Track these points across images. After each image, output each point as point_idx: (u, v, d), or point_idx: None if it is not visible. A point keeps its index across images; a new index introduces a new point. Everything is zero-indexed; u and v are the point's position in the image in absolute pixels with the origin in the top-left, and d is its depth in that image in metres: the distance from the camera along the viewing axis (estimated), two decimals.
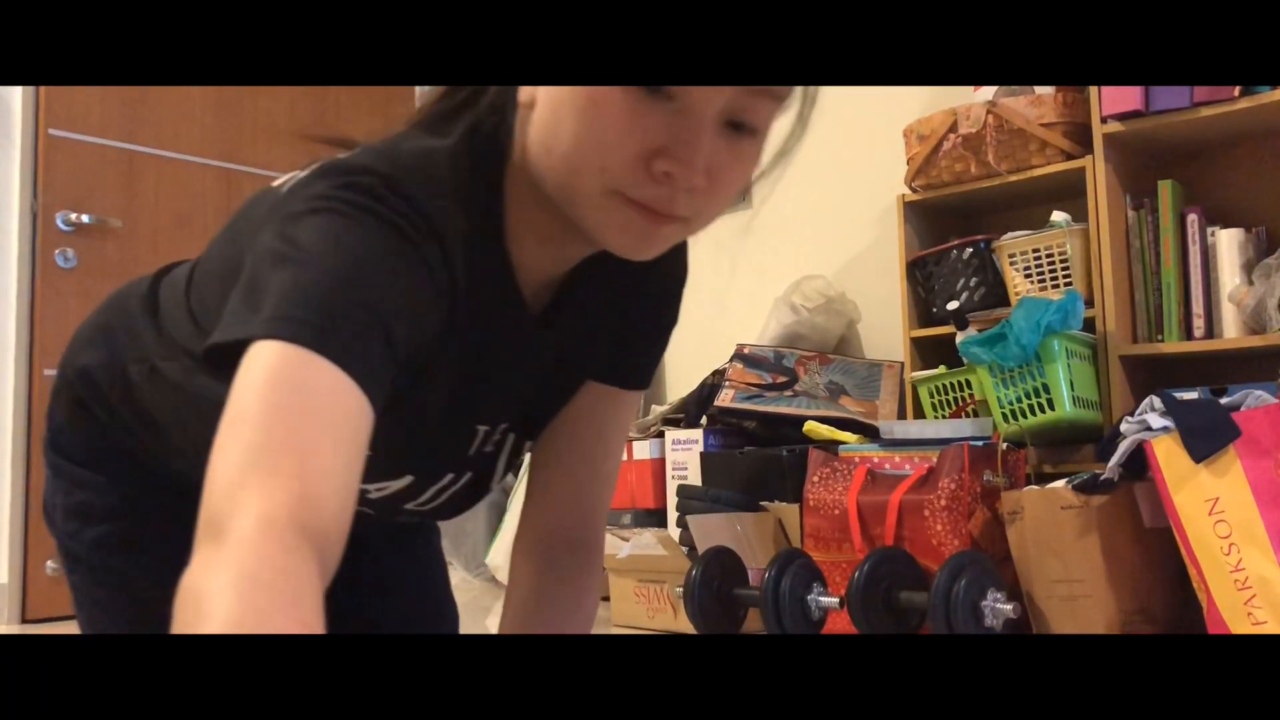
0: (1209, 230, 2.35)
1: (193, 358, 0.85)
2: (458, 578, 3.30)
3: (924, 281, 2.71)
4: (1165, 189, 2.37)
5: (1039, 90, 2.48)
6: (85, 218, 3.09)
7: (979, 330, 2.42)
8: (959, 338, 2.43)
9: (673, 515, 2.72)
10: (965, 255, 2.61)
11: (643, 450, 2.96)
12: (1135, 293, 2.41)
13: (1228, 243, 2.32)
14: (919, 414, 2.63)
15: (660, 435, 2.95)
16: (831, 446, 2.47)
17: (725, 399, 2.78)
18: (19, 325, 3.00)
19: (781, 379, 2.83)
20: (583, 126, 0.68)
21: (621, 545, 2.54)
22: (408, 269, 0.69)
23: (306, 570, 0.53)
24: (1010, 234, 2.55)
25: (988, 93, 2.57)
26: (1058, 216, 2.50)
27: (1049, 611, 2.00)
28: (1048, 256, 2.47)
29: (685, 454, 2.85)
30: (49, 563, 2.97)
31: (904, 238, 2.73)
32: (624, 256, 0.74)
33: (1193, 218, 2.36)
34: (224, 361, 0.62)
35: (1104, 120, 2.37)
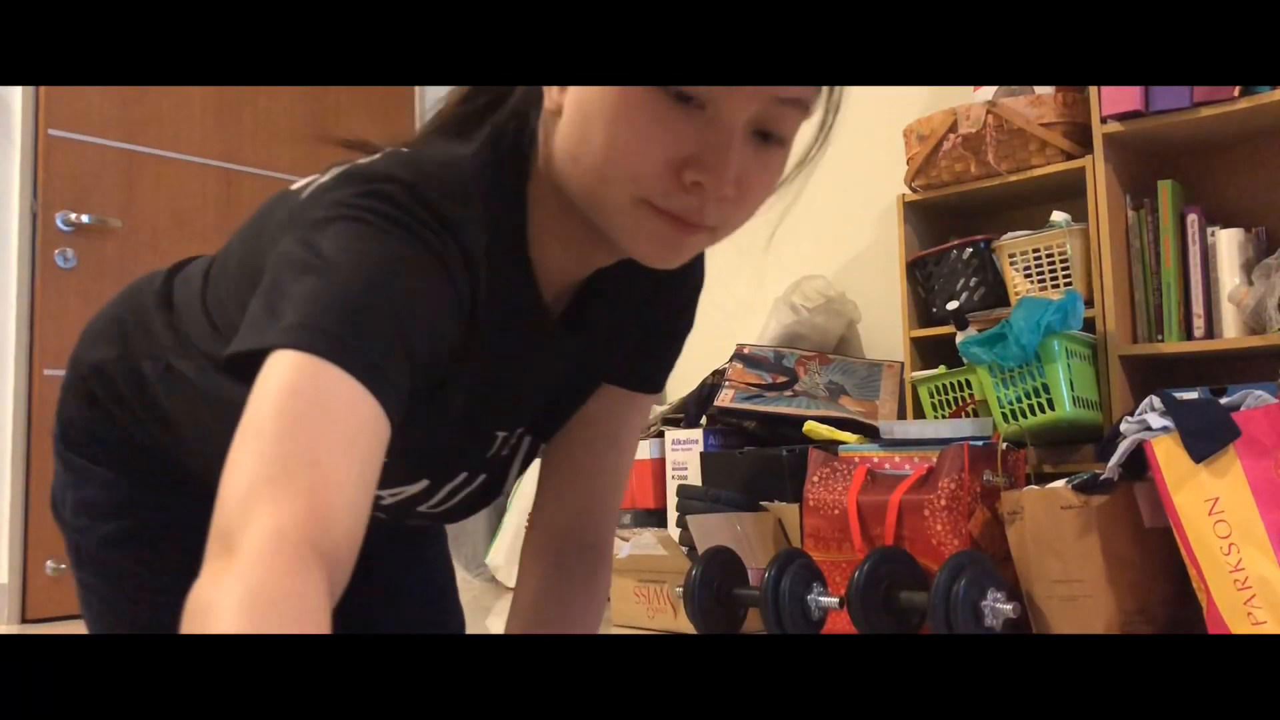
0: (1209, 230, 2.35)
1: (209, 358, 0.85)
2: (458, 578, 3.29)
3: (924, 281, 2.71)
4: (1165, 189, 2.37)
5: (1039, 90, 2.48)
6: (85, 218, 3.09)
7: (979, 330, 2.42)
8: (959, 338, 2.43)
9: (673, 515, 2.72)
10: (965, 255, 2.61)
11: (643, 450, 2.96)
12: (1135, 293, 2.41)
13: (1228, 243, 2.32)
14: (919, 414, 2.63)
15: (660, 435, 2.95)
16: (831, 446, 2.47)
17: (725, 399, 2.78)
18: (19, 325, 3.00)
19: (781, 379, 2.83)
20: (613, 135, 0.68)
21: (621, 545, 2.54)
22: (429, 280, 0.69)
23: (315, 589, 0.53)
24: (1010, 234, 2.55)
25: (988, 93, 2.57)
26: (1058, 216, 2.50)
27: (1049, 611, 2.00)
28: (1048, 256, 2.47)
29: (685, 454, 2.85)
30: (49, 562, 2.97)
31: (904, 238, 2.73)
32: (650, 265, 0.74)
33: (1193, 218, 2.36)
34: (244, 369, 0.62)
35: (1104, 120, 2.37)
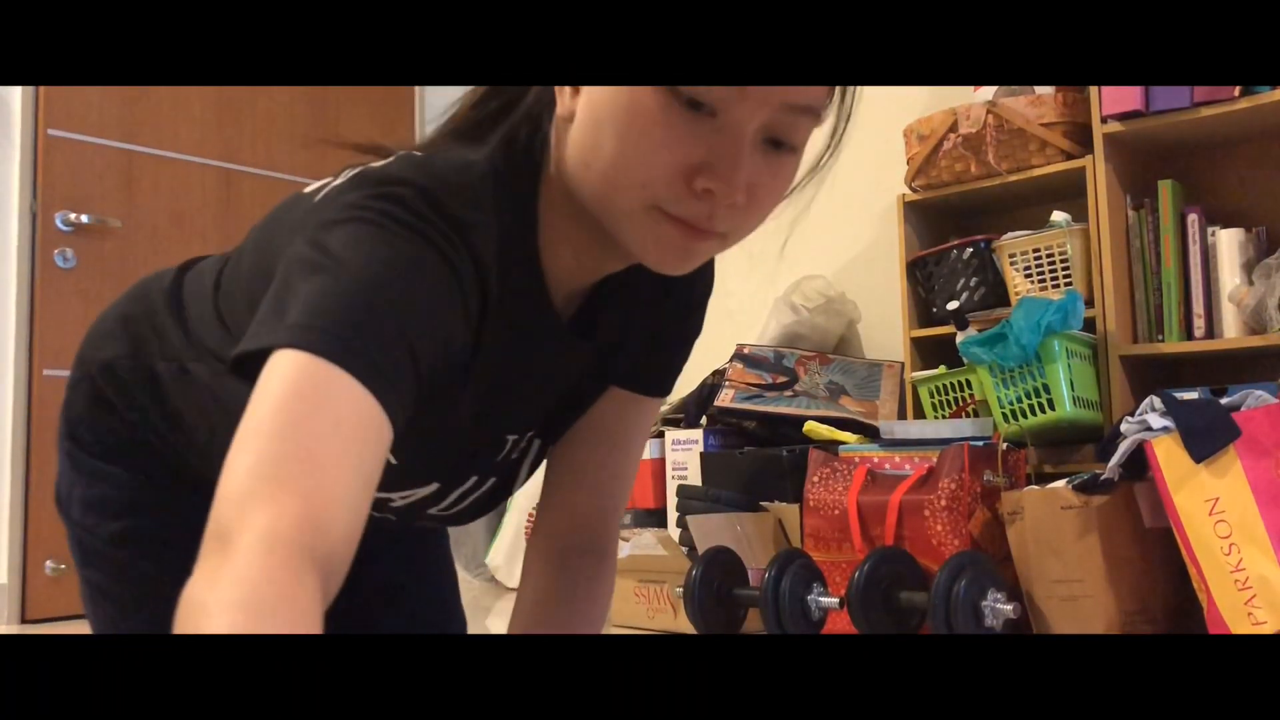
0: (1209, 230, 2.35)
1: (221, 360, 0.85)
2: (458, 578, 3.29)
3: (924, 281, 2.71)
4: (1165, 189, 2.37)
5: (1039, 90, 2.48)
6: (84, 218, 3.09)
7: (979, 330, 2.42)
8: (959, 338, 2.43)
9: (673, 515, 2.72)
10: (965, 255, 2.61)
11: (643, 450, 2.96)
12: (1135, 293, 2.41)
13: (1228, 243, 2.32)
14: (919, 414, 2.63)
15: (660, 435, 2.95)
16: (831, 446, 2.47)
17: (725, 399, 2.78)
18: (18, 325, 3.00)
19: (781, 379, 2.83)
20: (625, 142, 0.68)
21: (621, 545, 2.54)
22: (438, 284, 0.69)
23: (308, 592, 0.53)
24: (1010, 234, 2.55)
25: (988, 93, 2.57)
26: (1058, 216, 2.50)
27: (1049, 611, 1.99)
28: (1048, 256, 2.47)
29: (685, 454, 2.85)
30: (48, 563, 2.97)
31: (904, 238, 2.73)
32: (660, 271, 0.74)
33: (1193, 218, 2.35)
34: (251, 369, 0.62)
35: (1104, 120, 2.37)
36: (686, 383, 3.08)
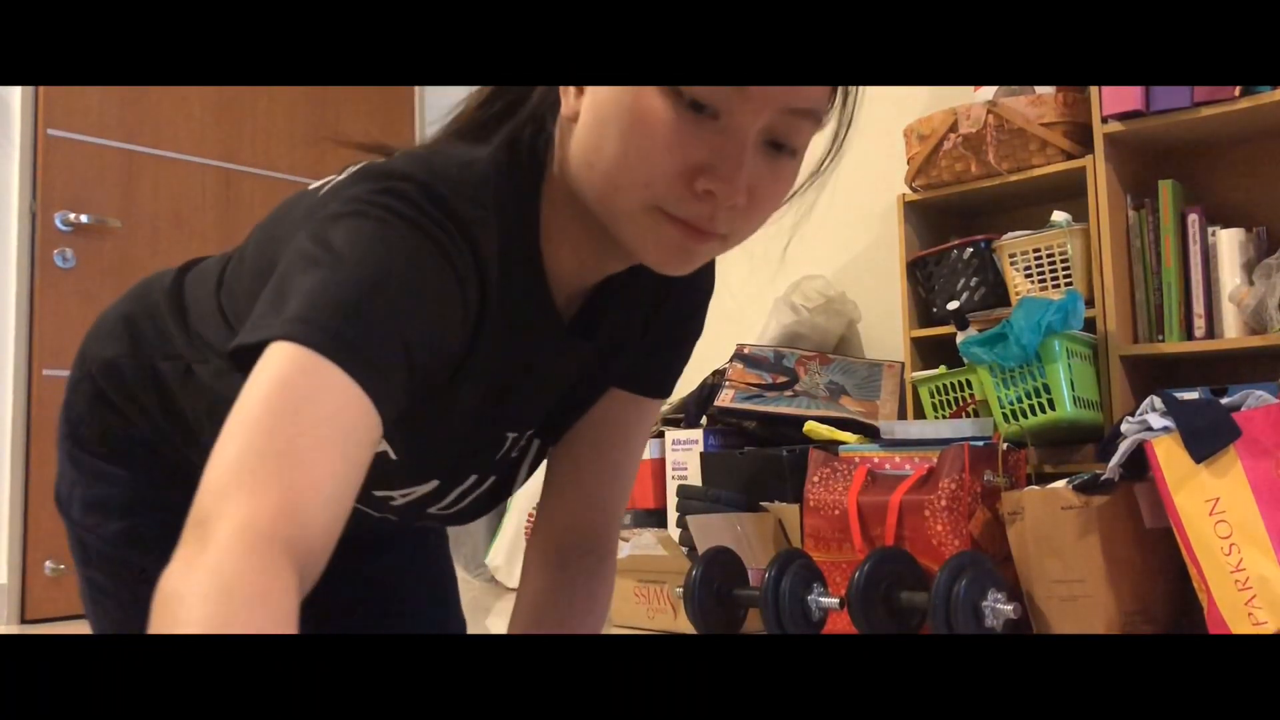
0: (1209, 230, 2.35)
1: (223, 358, 0.85)
2: (458, 578, 3.29)
3: (924, 281, 2.71)
4: (1166, 189, 2.37)
5: (1039, 90, 2.48)
6: (84, 218, 3.09)
7: (979, 330, 2.42)
8: (959, 338, 2.43)
9: (673, 515, 2.72)
10: (965, 255, 2.60)
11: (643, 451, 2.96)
12: (1136, 293, 2.40)
13: (1228, 242, 2.32)
14: (919, 414, 2.63)
15: (660, 435, 2.95)
16: (832, 447, 2.47)
17: (725, 399, 2.78)
18: (18, 325, 3.00)
19: (782, 379, 2.83)
20: (627, 143, 0.68)
21: (621, 545, 2.54)
22: (437, 278, 0.69)
23: (283, 586, 0.54)
24: (1010, 234, 2.55)
25: (988, 92, 2.57)
26: (1058, 216, 2.50)
27: (1049, 612, 1.99)
28: (1048, 256, 2.47)
29: (685, 454, 2.85)
30: (48, 563, 2.97)
31: (904, 238, 2.73)
32: (661, 271, 0.75)
33: (1193, 217, 2.35)
34: (248, 362, 0.62)
35: (1104, 120, 2.37)
36: (686, 383, 3.08)
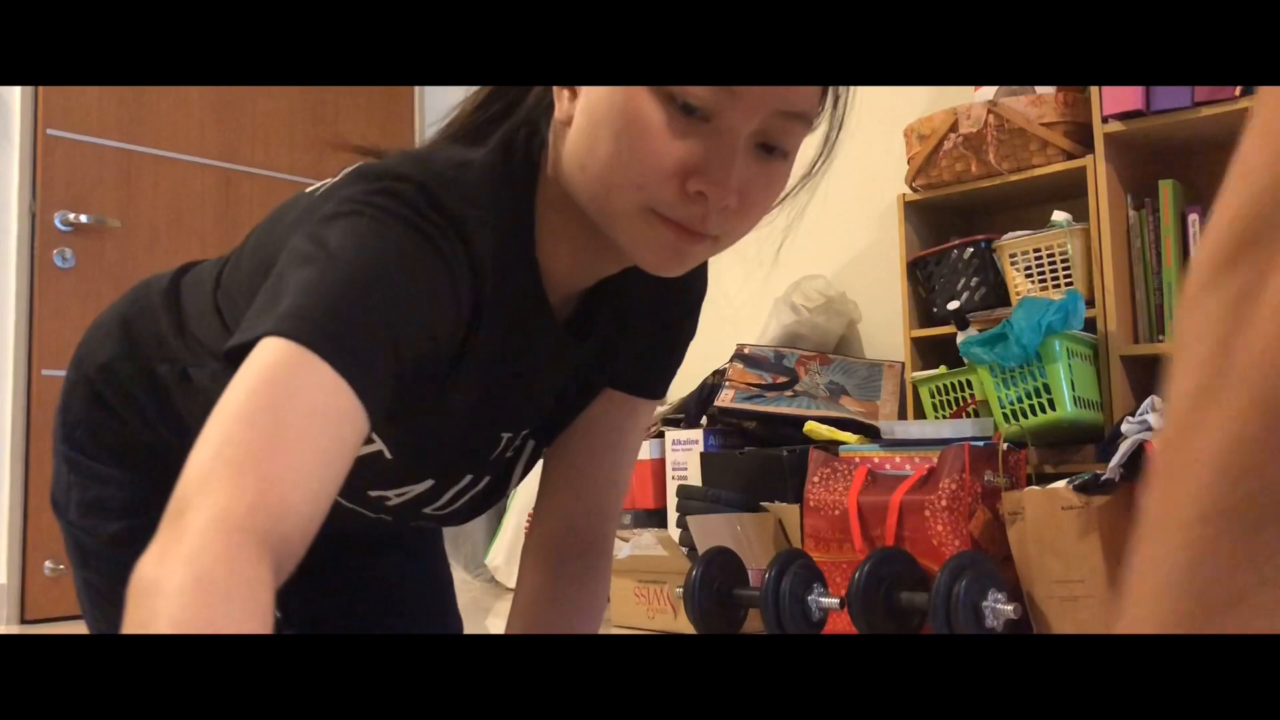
0: None
1: (221, 362, 0.86)
2: (458, 578, 3.29)
3: (924, 281, 2.71)
4: (1166, 189, 2.37)
5: (1040, 90, 2.48)
6: (84, 218, 3.09)
7: (980, 330, 2.42)
8: (959, 338, 2.43)
9: (673, 515, 2.72)
10: (966, 255, 2.60)
11: (642, 450, 2.95)
12: (1136, 292, 2.40)
13: None
14: (919, 414, 2.63)
15: (660, 435, 2.95)
16: (832, 447, 2.47)
17: (725, 399, 2.78)
18: (17, 325, 3.00)
19: (782, 379, 2.83)
20: (620, 145, 0.69)
21: (621, 545, 2.54)
22: (430, 276, 0.70)
23: (257, 577, 0.54)
24: (1011, 234, 2.55)
25: (988, 92, 2.56)
26: (1058, 216, 2.49)
27: (1049, 612, 1.99)
28: (1048, 256, 2.47)
29: (685, 454, 2.85)
30: (47, 563, 2.97)
31: (904, 237, 2.73)
32: (655, 273, 0.75)
33: (1194, 217, 2.35)
34: (242, 362, 0.63)
35: (1105, 120, 2.37)
36: (686, 383, 3.08)
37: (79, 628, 1.02)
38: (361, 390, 0.62)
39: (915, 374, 2.64)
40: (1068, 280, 2.43)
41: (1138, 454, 1.88)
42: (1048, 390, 2.26)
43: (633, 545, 2.52)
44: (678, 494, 2.64)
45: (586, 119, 0.72)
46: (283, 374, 0.60)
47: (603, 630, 2.45)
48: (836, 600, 1.98)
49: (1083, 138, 2.43)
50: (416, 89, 3.94)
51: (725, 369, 2.89)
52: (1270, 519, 0.36)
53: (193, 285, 0.94)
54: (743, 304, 3.15)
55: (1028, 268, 2.50)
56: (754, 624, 2.13)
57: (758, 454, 2.62)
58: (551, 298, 0.81)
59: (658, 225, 0.71)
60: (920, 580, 1.97)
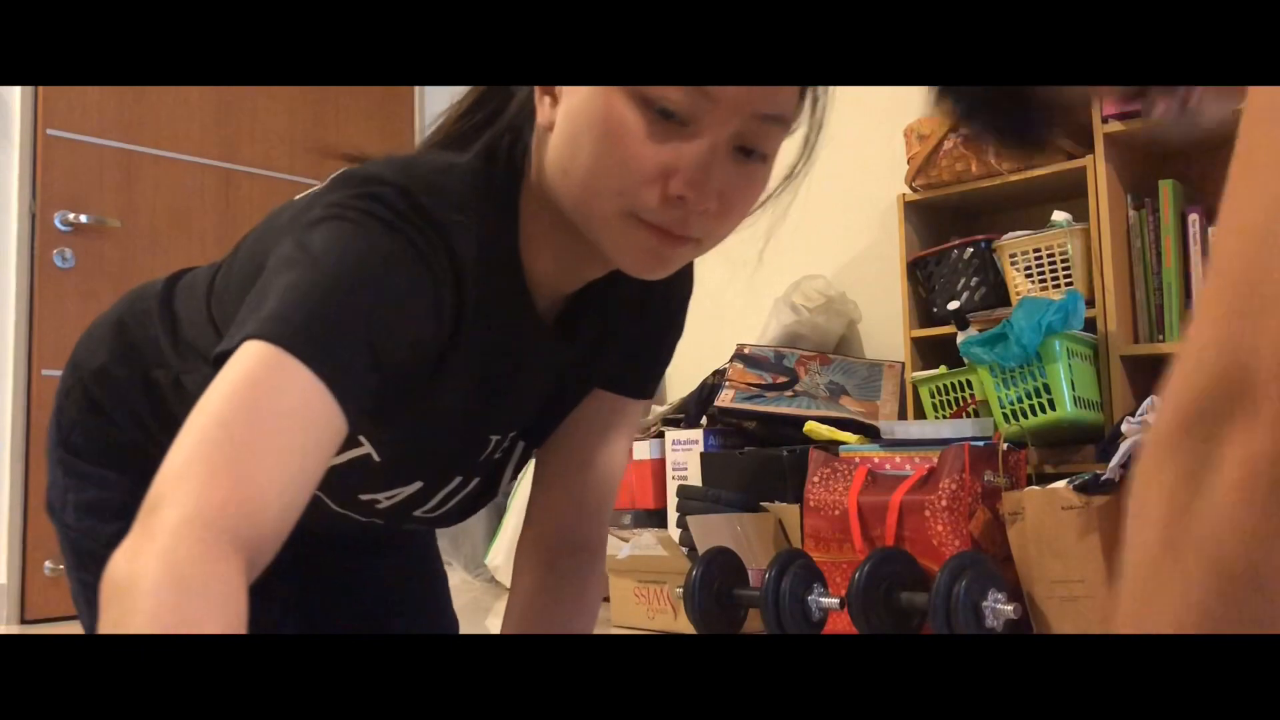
0: (1210, 230, 2.35)
1: (212, 366, 0.87)
2: (458, 578, 3.30)
3: (924, 281, 2.71)
4: (1166, 188, 2.37)
5: None
6: (83, 218, 3.09)
7: (980, 330, 2.42)
8: (960, 338, 2.43)
9: (673, 515, 2.71)
10: (966, 255, 2.60)
11: (643, 450, 2.96)
12: (1136, 292, 2.40)
13: None
14: (919, 414, 2.63)
15: (660, 435, 2.95)
16: (832, 447, 2.47)
17: (725, 399, 2.78)
18: (17, 325, 3.00)
19: (782, 379, 2.83)
20: (601, 151, 0.70)
21: (621, 546, 2.54)
22: (411, 279, 0.71)
23: (228, 573, 0.55)
24: (1011, 234, 2.55)
25: None
26: (1058, 216, 2.49)
27: (1049, 612, 1.99)
28: (1048, 256, 2.47)
29: (685, 454, 2.85)
30: (47, 563, 2.96)
31: (904, 237, 2.73)
32: (637, 276, 0.76)
33: (1194, 217, 2.35)
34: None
35: (1105, 120, 2.37)
36: (687, 383, 3.08)
37: (79, 628, 1.02)
38: (339, 392, 0.64)
39: (915, 374, 2.64)
40: (1068, 280, 2.43)
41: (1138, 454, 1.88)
42: (1048, 390, 2.26)
43: (633, 545, 2.52)
44: (678, 494, 2.64)
45: (567, 125, 0.73)
46: (261, 376, 0.62)
47: (603, 630, 2.45)
48: (836, 600, 1.98)
49: (1083, 137, 2.43)
50: (416, 89, 3.94)
51: (725, 369, 2.89)
52: None
53: (186, 292, 0.95)
54: (740, 295, 3.15)
55: (1028, 268, 2.50)
56: (754, 624, 2.13)
57: (758, 454, 2.62)
58: (537, 301, 0.82)
59: (639, 229, 0.72)
60: (920, 580, 1.97)
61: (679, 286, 0.95)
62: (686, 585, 2.08)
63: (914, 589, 1.94)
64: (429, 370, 0.77)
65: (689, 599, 2.06)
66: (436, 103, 3.91)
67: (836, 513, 2.24)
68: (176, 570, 0.54)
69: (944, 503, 2.08)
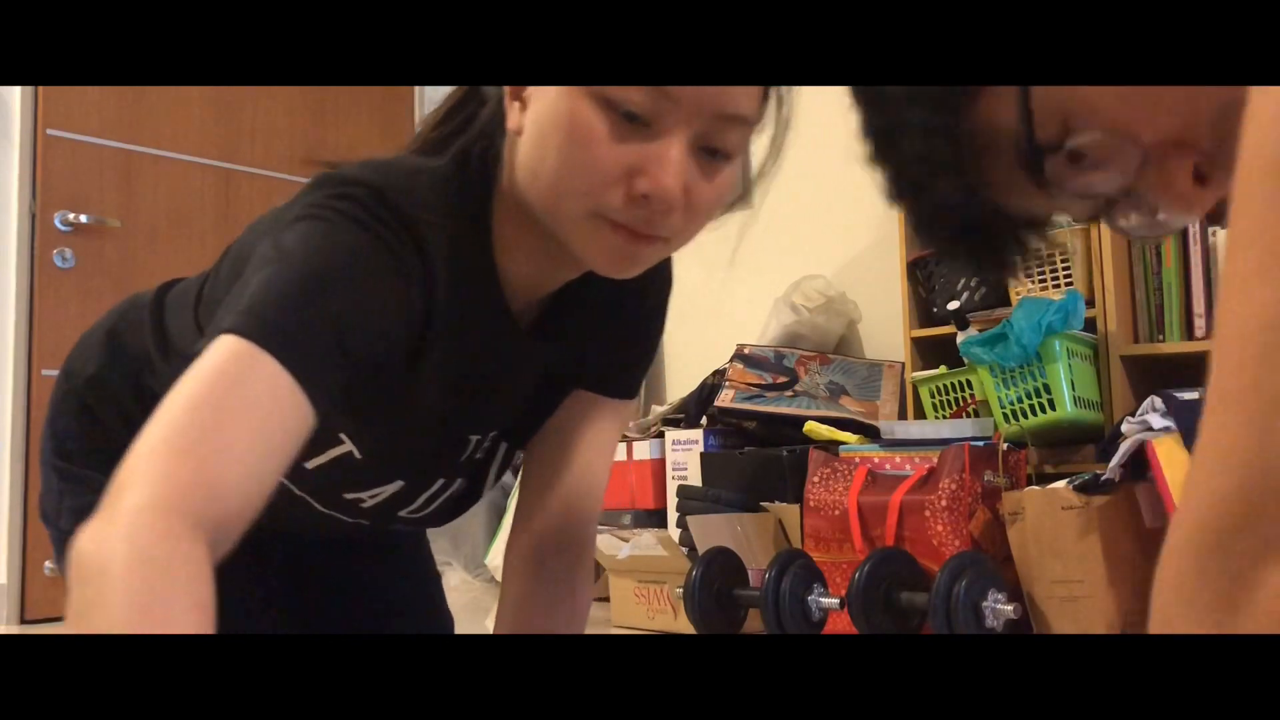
0: (1209, 230, 2.35)
1: None
2: (458, 578, 3.30)
3: (924, 281, 2.71)
4: None
5: None
6: (83, 218, 3.09)
7: (980, 330, 2.42)
8: (960, 338, 2.43)
9: (673, 515, 2.71)
10: None
11: (643, 450, 2.96)
12: (1136, 292, 2.40)
13: None
14: (919, 414, 2.63)
15: (660, 435, 2.95)
16: (832, 447, 2.47)
17: (725, 399, 2.78)
18: (17, 326, 3.00)
19: (782, 379, 2.83)
20: (566, 153, 0.72)
21: (621, 546, 2.54)
22: (381, 276, 0.73)
23: (190, 553, 0.57)
24: None
25: None
26: (1058, 216, 2.49)
27: (1049, 612, 1.99)
28: (1048, 256, 2.47)
29: (685, 454, 2.85)
30: (47, 564, 2.96)
31: (904, 237, 2.73)
32: (608, 275, 0.78)
33: None
34: None
35: None
36: (687, 383, 3.08)
37: None
38: (306, 383, 0.66)
39: (915, 374, 2.64)
40: (1068, 280, 2.43)
41: (1138, 454, 1.88)
42: (1048, 390, 2.26)
43: (633, 545, 2.52)
44: (678, 494, 2.64)
45: (535, 129, 0.74)
46: (230, 368, 0.64)
47: (603, 630, 2.45)
48: (836, 600, 1.98)
49: None
50: (416, 89, 3.94)
51: (725, 369, 2.89)
52: None
53: (176, 301, 0.97)
54: (739, 295, 3.15)
55: (1028, 267, 2.50)
56: (754, 624, 2.13)
57: (758, 454, 2.61)
58: (514, 303, 0.84)
59: (606, 230, 0.74)
60: (920, 580, 1.97)
61: (656, 286, 0.97)
62: (686, 585, 2.08)
63: (914, 589, 1.94)
64: (402, 365, 0.79)
65: (689, 599, 2.06)
66: (437, 103, 3.91)
67: (836, 513, 2.24)
68: (144, 552, 0.56)
69: (944, 503, 2.08)
